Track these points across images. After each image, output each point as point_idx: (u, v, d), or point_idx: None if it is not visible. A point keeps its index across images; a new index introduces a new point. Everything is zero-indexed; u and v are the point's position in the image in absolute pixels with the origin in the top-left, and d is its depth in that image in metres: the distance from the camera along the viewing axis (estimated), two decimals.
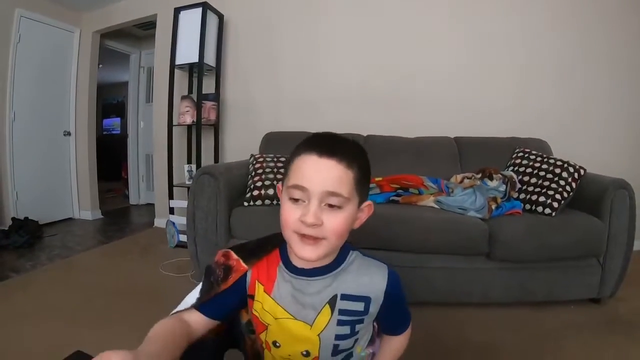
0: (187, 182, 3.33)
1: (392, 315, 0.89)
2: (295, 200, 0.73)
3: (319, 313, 0.81)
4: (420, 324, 1.94)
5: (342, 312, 0.81)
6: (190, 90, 3.60)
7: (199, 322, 0.82)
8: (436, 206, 2.25)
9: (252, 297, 0.85)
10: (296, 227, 0.72)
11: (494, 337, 1.83)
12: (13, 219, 3.74)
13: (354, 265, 0.83)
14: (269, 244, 0.89)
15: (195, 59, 3.31)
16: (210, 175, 2.23)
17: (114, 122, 8.45)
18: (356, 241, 2.04)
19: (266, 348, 0.87)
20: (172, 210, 3.46)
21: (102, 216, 4.77)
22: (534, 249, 2.02)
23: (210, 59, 3.47)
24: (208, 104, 3.43)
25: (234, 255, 0.87)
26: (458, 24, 3.19)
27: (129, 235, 3.90)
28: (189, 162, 3.58)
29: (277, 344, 0.84)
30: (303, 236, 0.73)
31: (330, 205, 0.72)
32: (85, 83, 4.50)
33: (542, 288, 2.10)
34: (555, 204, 2.19)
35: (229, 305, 0.87)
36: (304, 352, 0.83)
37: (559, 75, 3.08)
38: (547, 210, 2.19)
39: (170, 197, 3.46)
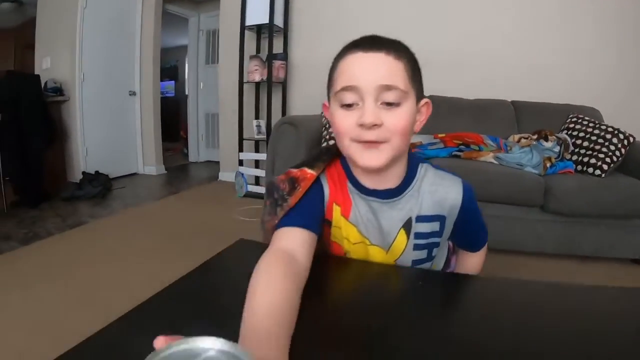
0: (256, 136, 3.61)
1: (469, 230, 0.83)
2: (348, 106, 0.65)
3: (394, 238, 0.75)
4: None
5: (418, 235, 0.75)
6: (257, 50, 3.84)
7: (304, 246, 0.66)
8: (495, 162, 2.45)
9: (330, 223, 0.77)
10: (354, 134, 0.65)
11: None
12: (83, 173, 4.00)
13: (426, 181, 0.75)
14: (329, 152, 0.79)
15: (264, 20, 3.52)
16: (290, 124, 2.47)
17: (167, 85, 8.72)
18: None
19: None
20: (241, 163, 3.74)
21: (165, 171, 5.08)
22: (585, 204, 2.22)
23: (278, 20, 3.66)
24: (277, 63, 3.66)
25: (294, 169, 0.75)
26: None
27: (196, 187, 4.20)
28: (257, 117, 3.84)
29: None
30: (364, 143, 0.65)
31: (388, 103, 0.64)
32: (149, 45, 4.76)
33: (590, 243, 2.31)
34: (605, 167, 2.37)
35: (317, 213, 0.75)
36: None
37: (618, 45, 3.15)
38: (597, 172, 2.38)
39: (240, 150, 3.74)
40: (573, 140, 2.61)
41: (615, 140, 2.44)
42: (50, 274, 2.00)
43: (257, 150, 3.84)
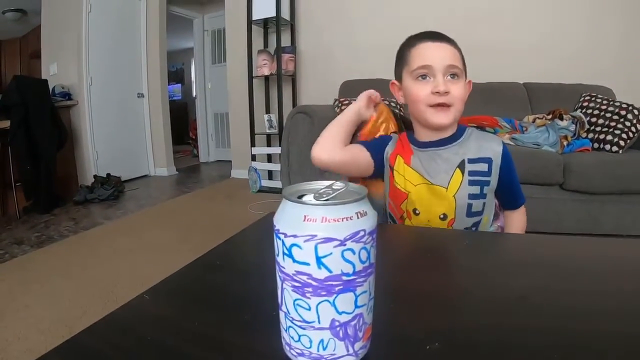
0: (267, 130, 3.61)
1: (509, 183, 0.98)
2: (423, 77, 0.90)
3: (451, 177, 0.93)
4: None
5: (471, 173, 0.92)
6: (265, 45, 3.84)
7: (361, 149, 1.00)
8: (512, 143, 2.45)
9: (393, 169, 0.99)
10: (429, 100, 0.89)
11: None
12: (95, 176, 3.97)
13: (473, 136, 0.96)
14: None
15: (271, 14, 3.54)
16: (304, 113, 2.48)
17: (174, 89, 8.71)
18: None
19: (407, 217, 0.98)
20: (253, 158, 3.74)
21: (177, 172, 5.07)
22: (604, 180, 2.21)
23: (285, 13, 3.67)
24: (286, 56, 3.67)
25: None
26: None
27: (209, 186, 4.20)
28: (267, 112, 3.85)
29: (417, 212, 0.95)
30: (436, 106, 0.89)
31: (452, 76, 0.89)
32: (155, 46, 4.78)
33: (611, 221, 2.29)
34: (622, 143, 2.37)
35: (379, 147, 1.02)
36: (442, 216, 0.94)
37: (625, 21, 3.12)
38: (614, 148, 2.37)
39: (252, 145, 3.75)
40: (588, 118, 2.60)
41: (630, 116, 2.44)
42: (65, 273, 1.98)
43: (268, 145, 3.84)
